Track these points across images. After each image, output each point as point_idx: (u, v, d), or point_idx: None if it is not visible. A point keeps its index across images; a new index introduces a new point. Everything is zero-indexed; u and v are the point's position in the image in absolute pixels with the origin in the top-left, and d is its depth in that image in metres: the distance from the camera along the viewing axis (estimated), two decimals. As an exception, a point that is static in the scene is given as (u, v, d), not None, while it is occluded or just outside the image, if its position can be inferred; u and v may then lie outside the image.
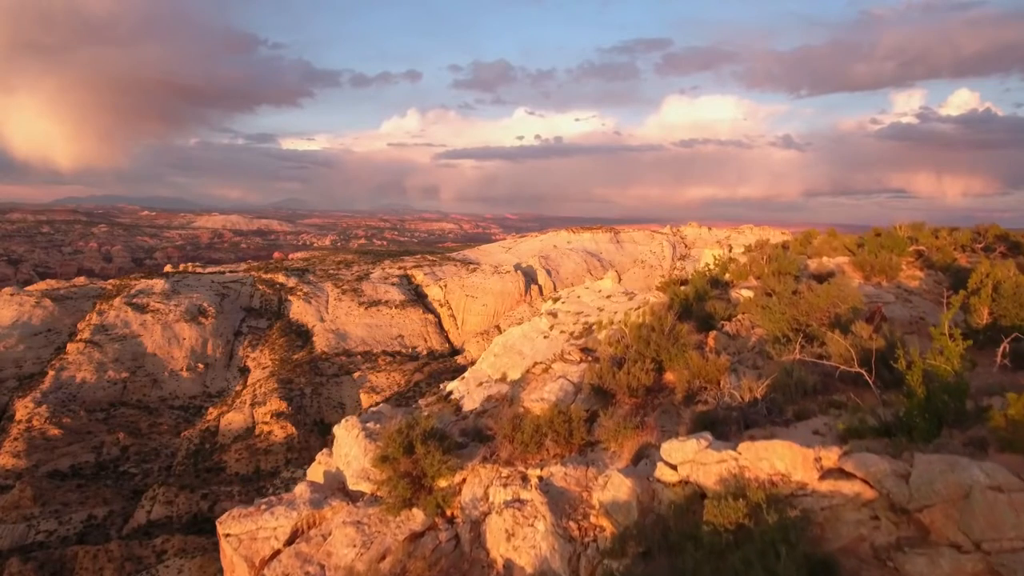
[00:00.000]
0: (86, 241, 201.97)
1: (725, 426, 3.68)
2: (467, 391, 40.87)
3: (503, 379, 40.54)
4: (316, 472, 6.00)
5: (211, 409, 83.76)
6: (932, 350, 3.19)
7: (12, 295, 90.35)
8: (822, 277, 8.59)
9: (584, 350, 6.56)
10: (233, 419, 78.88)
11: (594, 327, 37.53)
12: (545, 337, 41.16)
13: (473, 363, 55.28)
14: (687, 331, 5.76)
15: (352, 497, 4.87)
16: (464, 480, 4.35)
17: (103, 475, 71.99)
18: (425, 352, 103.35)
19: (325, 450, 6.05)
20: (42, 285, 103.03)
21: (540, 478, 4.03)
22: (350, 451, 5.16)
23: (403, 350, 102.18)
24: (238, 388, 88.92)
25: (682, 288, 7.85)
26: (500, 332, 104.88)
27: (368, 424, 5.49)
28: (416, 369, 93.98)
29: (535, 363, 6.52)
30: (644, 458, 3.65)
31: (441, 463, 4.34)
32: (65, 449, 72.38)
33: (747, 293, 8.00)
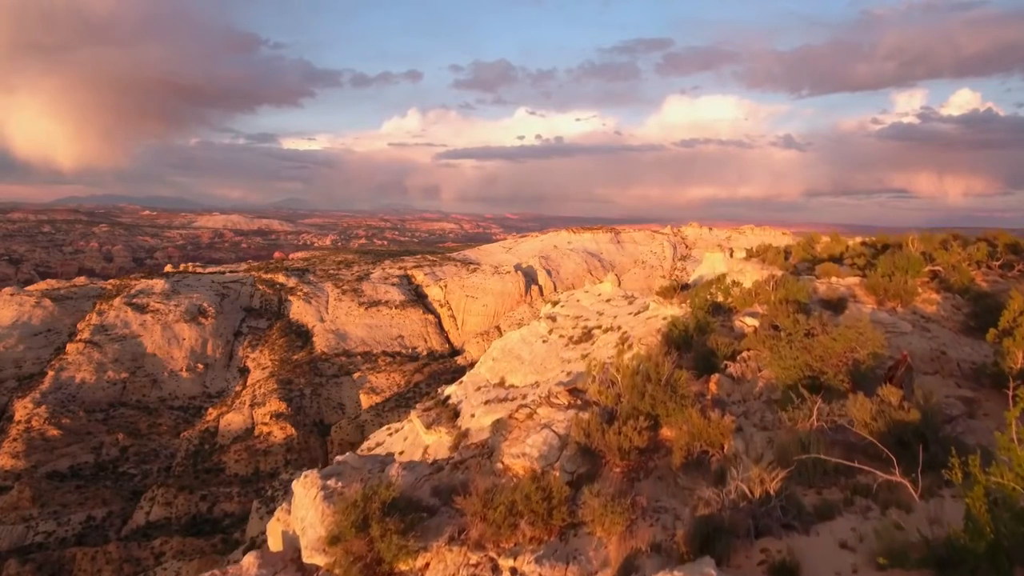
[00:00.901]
0: (87, 241, 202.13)
1: (732, 536, 3.11)
2: (465, 395, 40.49)
3: (501, 383, 40.21)
4: (274, 531, 5.47)
5: (211, 410, 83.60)
6: (996, 466, 2.58)
7: (12, 295, 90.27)
8: (833, 304, 8.02)
9: (573, 391, 6.01)
10: (233, 420, 78.72)
11: (594, 332, 37.08)
12: (544, 341, 40.66)
13: (473, 364, 54.87)
14: (686, 379, 5.19)
15: (306, 572, 4.38)
16: (427, 565, 3.82)
17: (102, 476, 71.92)
18: (425, 353, 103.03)
19: (284, 505, 5.52)
20: (42, 285, 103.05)
21: (513, 570, 3.50)
22: (306, 515, 4.64)
23: (403, 350, 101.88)
24: (238, 388, 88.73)
25: (681, 319, 7.28)
26: (500, 333, 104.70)
27: (329, 481, 4.97)
28: (416, 370, 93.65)
29: (519, 407, 5.96)
30: (633, 573, 3.10)
31: (399, 547, 3.81)
32: (64, 450, 72.32)
33: (751, 321, 7.43)
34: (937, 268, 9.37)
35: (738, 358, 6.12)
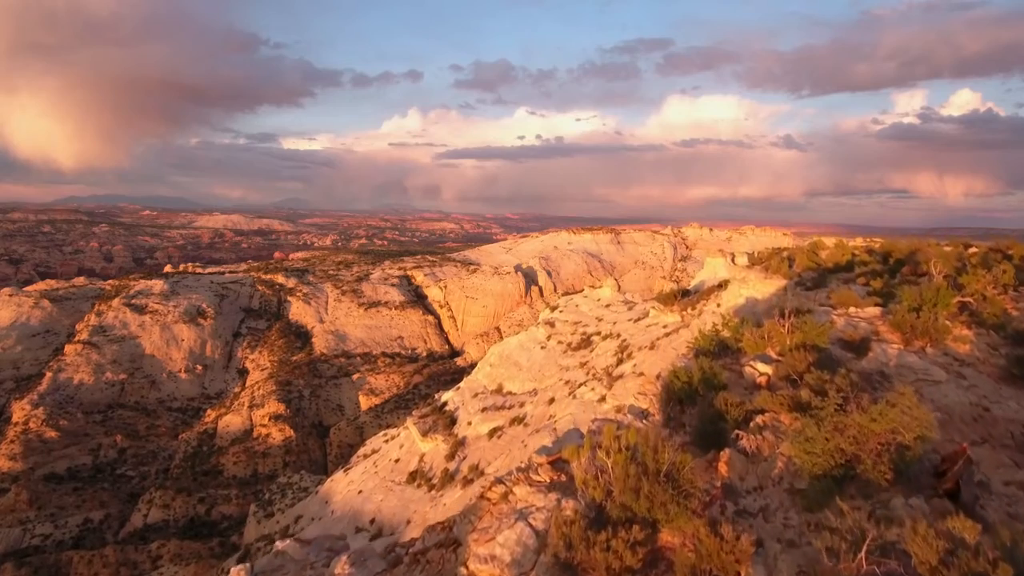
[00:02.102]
0: (87, 241, 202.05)
1: None
2: (462, 402, 39.84)
3: (499, 390, 39.52)
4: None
5: (209, 411, 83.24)
6: None
7: (11, 295, 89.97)
8: (855, 345, 7.20)
9: (556, 463, 5.23)
10: (231, 421, 78.30)
11: (592, 338, 36.29)
12: (542, 348, 39.95)
13: (473, 365, 54.33)
14: (690, 468, 4.37)
15: None
16: None
17: (100, 478, 71.62)
18: (425, 354, 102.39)
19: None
20: (41, 285, 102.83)
21: None
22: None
23: (403, 351, 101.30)
24: (236, 390, 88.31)
25: (684, 369, 6.49)
26: (500, 334, 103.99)
27: (261, 589, 4.24)
28: (415, 371, 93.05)
29: (493, 483, 5.16)
30: None
31: None
32: (62, 451, 72.03)
33: (763, 368, 6.62)
34: (967, 299, 8.51)
35: (752, 424, 5.28)
